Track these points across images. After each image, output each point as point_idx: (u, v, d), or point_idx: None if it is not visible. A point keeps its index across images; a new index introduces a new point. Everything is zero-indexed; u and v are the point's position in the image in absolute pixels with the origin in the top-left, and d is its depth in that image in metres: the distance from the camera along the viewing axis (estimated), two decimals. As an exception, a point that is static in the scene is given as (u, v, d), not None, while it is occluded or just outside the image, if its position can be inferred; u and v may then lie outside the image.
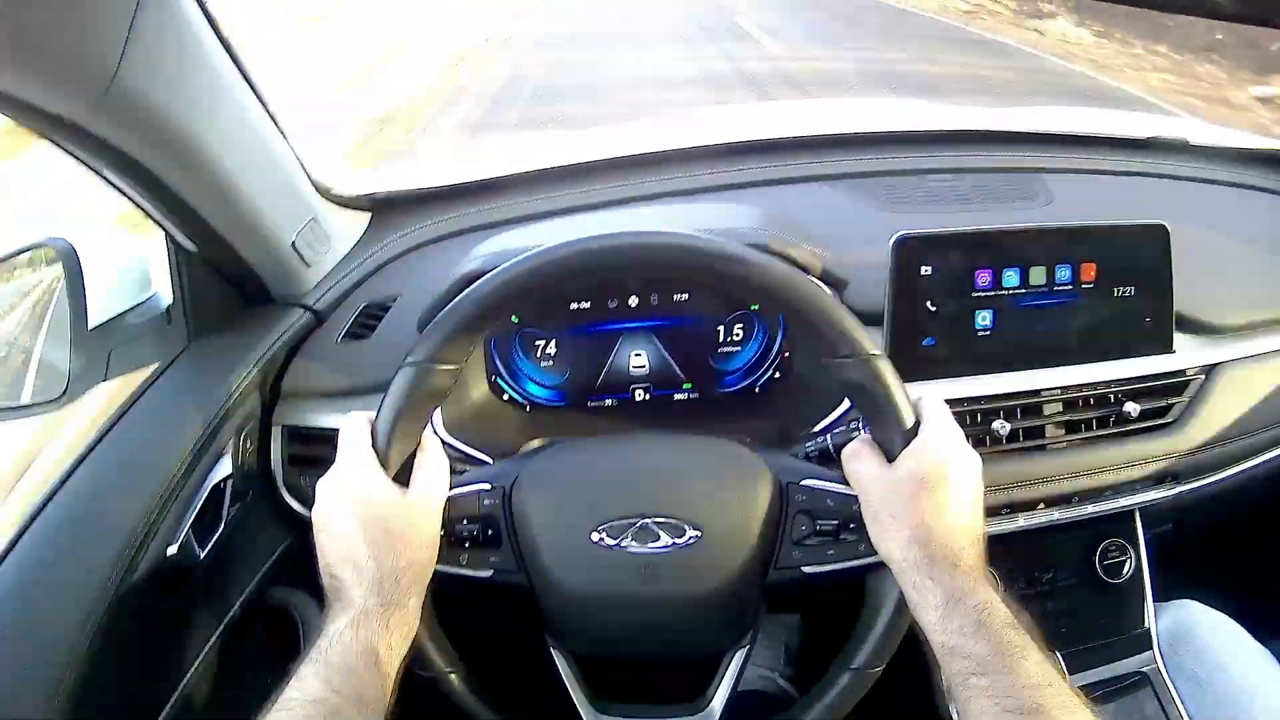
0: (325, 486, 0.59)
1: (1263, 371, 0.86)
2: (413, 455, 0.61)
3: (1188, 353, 0.84)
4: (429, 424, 0.62)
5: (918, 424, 0.59)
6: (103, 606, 0.64)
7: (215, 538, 0.75)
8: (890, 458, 0.59)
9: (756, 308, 0.83)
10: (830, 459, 0.68)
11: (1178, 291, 0.81)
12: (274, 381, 0.82)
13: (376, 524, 0.57)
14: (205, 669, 0.75)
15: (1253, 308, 0.87)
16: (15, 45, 0.51)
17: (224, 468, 0.75)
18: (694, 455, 0.67)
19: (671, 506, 0.62)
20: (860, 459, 0.60)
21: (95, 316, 0.79)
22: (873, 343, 0.59)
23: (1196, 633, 0.87)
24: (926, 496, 0.56)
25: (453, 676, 0.64)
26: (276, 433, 0.82)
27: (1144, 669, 0.85)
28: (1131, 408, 0.82)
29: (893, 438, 0.59)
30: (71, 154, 0.66)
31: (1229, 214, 1.02)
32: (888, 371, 0.59)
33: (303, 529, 0.82)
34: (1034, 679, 0.50)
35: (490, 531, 0.63)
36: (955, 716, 0.54)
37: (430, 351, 0.60)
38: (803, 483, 0.63)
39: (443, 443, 0.65)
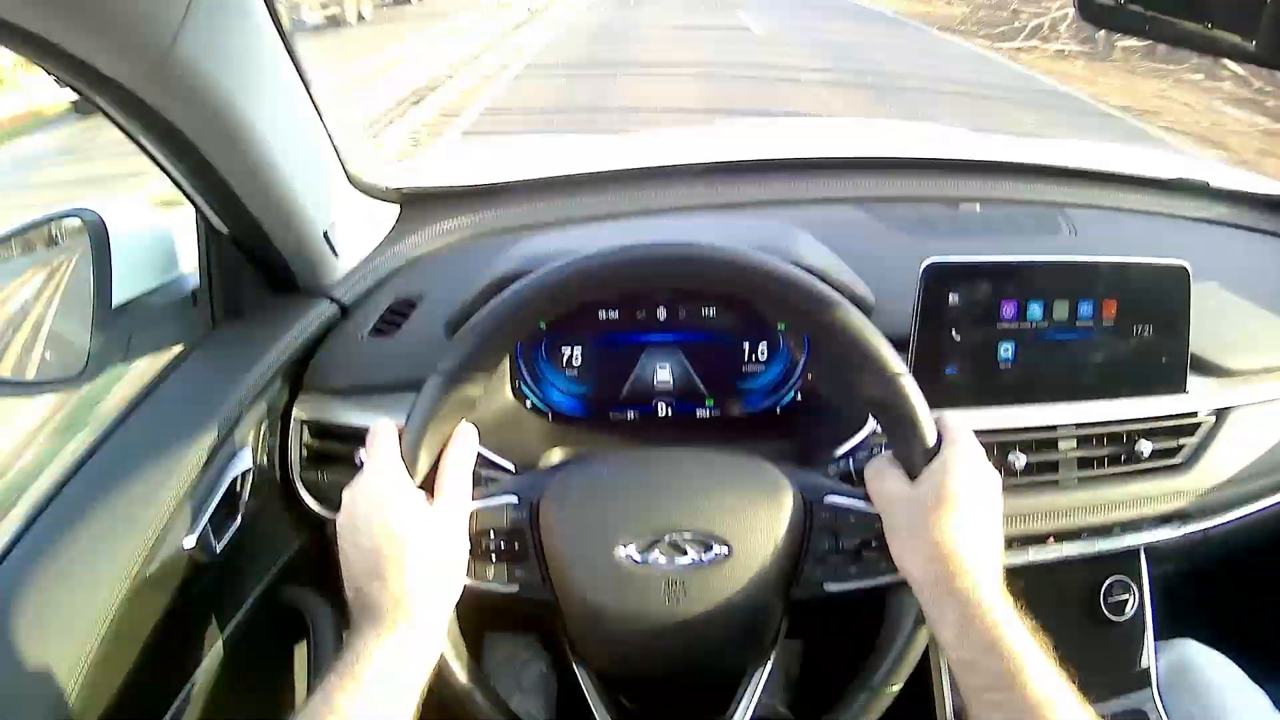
0: (352, 496, 0.58)
1: (1272, 417, 0.88)
2: (437, 464, 0.60)
3: (1200, 394, 0.85)
4: (461, 436, 0.61)
5: (940, 442, 0.60)
6: (118, 598, 0.63)
7: (231, 533, 0.74)
8: (912, 475, 0.60)
9: (784, 328, 0.83)
10: (852, 482, 0.68)
11: (1193, 332, 0.82)
12: (296, 374, 0.82)
13: (404, 537, 0.56)
14: (214, 665, 0.74)
15: (1266, 353, 0.89)
16: (81, 5, 0.51)
17: (244, 460, 0.74)
18: (720, 470, 0.67)
19: (699, 521, 0.62)
20: (883, 477, 0.61)
21: (120, 294, 0.78)
22: (898, 360, 0.60)
23: (1195, 673, 0.87)
24: (947, 514, 0.56)
25: (475, 693, 0.63)
26: (295, 427, 0.81)
27: (1142, 707, 0.86)
28: (1144, 446, 0.83)
29: (915, 455, 0.59)
30: (116, 120, 0.65)
31: (1247, 258, 1.03)
32: (912, 389, 0.59)
33: (318, 527, 0.82)
34: (1047, 695, 0.51)
35: (516, 545, 0.63)
36: None
37: (463, 359, 0.59)
38: (826, 500, 0.64)
39: None
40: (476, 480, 0.64)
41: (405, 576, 0.55)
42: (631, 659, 0.67)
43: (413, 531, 0.56)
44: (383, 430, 0.60)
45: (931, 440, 0.59)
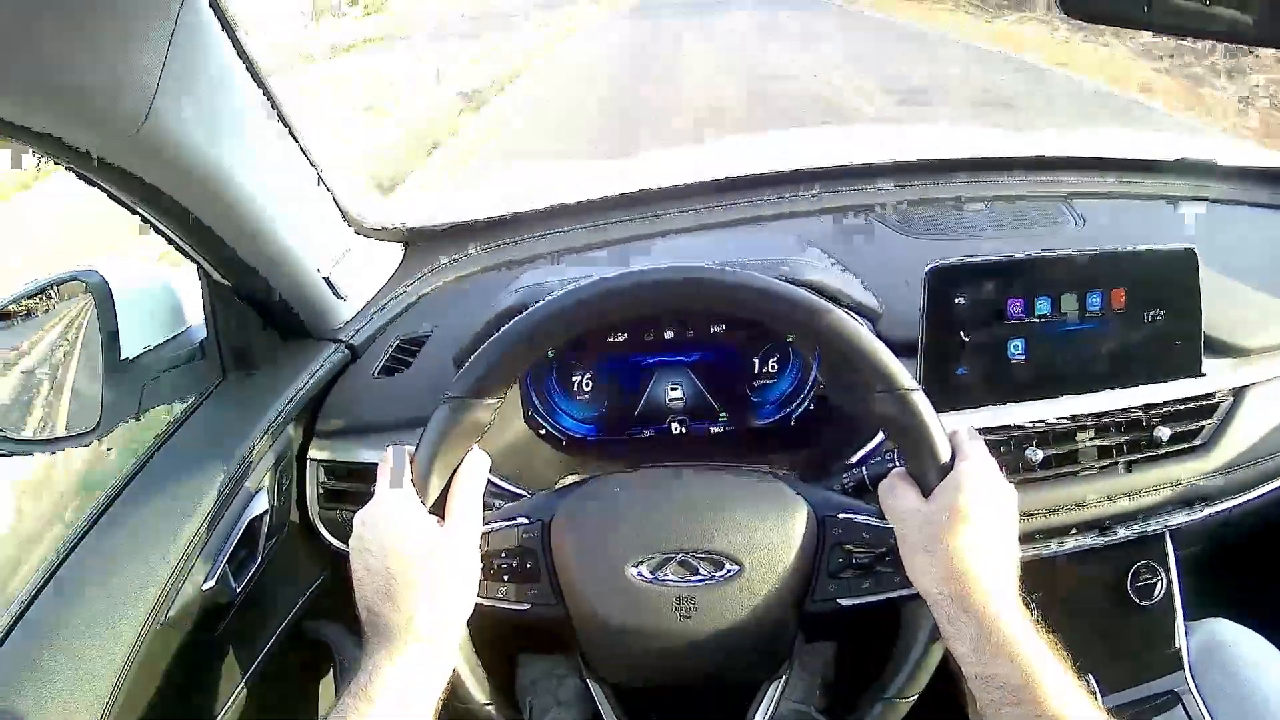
0: (363, 519, 0.59)
1: None
2: (448, 489, 0.61)
3: (1216, 375, 0.84)
4: (471, 461, 0.62)
5: (953, 458, 0.59)
6: (140, 641, 0.65)
7: (251, 572, 0.75)
8: (926, 492, 0.60)
9: (791, 339, 0.83)
10: (866, 490, 0.68)
11: (1205, 314, 0.81)
12: (309, 417, 0.83)
13: (414, 558, 0.57)
14: (241, 702, 0.75)
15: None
16: (51, 83, 0.52)
17: (260, 503, 0.76)
18: (731, 488, 0.67)
19: (710, 540, 0.63)
20: (896, 493, 0.61)
21: (128, 349, 0.79)
22: (908, 376, 0.60)
23: (1227, 650, 0.87)
24: (962, 531, 0.56)
25: (490, 709, 0.64)
26: (312, 468, 0.82)
27: (1175, 688, 0.86)
28: (1163, 432, 0.82)
29: (928, 472, 0.59)
30: (104, 189, 0.66)
31: (1256, 234, 1.02)
32: (923, 405, 0.59)
33: (338, 563, 0.83)
34: (1065, 709, 0.51)
35: (529, 565, 0.64)
36: None
37: (470, 386, 0.60)
38: (839, 516, 0.64)
39: None
40: (490, 507, 0.65)
41: (416, 597, 0.56)
42: (644, 673, 0.68)
43: (423, 552, 0.57)
44: (394, 456, 0.61)
45: (945, 456, 0.59)
